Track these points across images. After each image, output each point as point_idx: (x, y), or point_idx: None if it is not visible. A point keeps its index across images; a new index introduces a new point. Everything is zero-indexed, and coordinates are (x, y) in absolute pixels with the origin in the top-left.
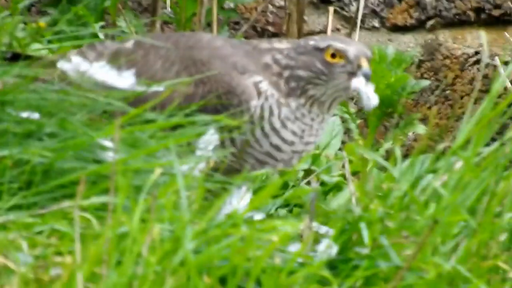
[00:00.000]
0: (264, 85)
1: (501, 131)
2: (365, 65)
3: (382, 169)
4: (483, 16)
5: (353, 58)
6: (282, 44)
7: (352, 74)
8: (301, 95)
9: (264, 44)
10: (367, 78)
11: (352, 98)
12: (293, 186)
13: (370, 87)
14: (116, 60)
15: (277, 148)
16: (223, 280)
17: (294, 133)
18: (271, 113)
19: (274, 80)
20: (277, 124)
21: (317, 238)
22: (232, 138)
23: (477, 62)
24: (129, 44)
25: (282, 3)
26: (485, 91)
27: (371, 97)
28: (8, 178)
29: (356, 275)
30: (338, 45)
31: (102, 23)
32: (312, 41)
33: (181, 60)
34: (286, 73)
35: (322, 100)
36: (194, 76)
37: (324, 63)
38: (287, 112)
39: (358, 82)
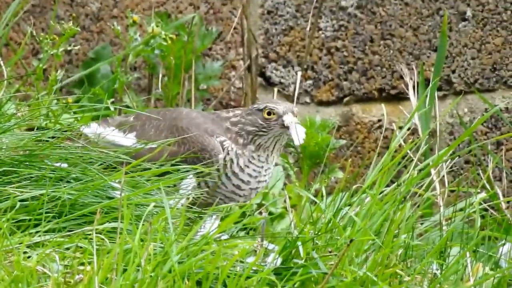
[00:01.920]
0: (227, 143)
1: (397, 176)
2: (289, 116)
3: (313, 203)
4: (384, 94)
5: (281, 113)
6: (236, 111)
7: (283, 125)
8: (251, 144)
9: (224, 113)
10: (291, 126)
11: (290, 152)
12: (249, 215)
13: (299, 129)
14: (122, 126)
15: (238, 187)
16: (199, 283)
17: (250, 175)
18: (231, 162)
19: (233, 137)
20: (237, 170)
21: (267, 253)
22: (205, 181)
23: (380, 127)
24: (131, 117)
25: (241, 85)
26: (386, 147)
27: (299, 135)
28: (45, 209)
29: (294, 279)
30: (271, 105)
31: (112, 99)
32: (255, 105)
33: (168, 128)
34: (238, 129)
35: (266, 146)
36: (177, 138)
37: (263, 119)
38: (244, 160)
39: (291, 128)
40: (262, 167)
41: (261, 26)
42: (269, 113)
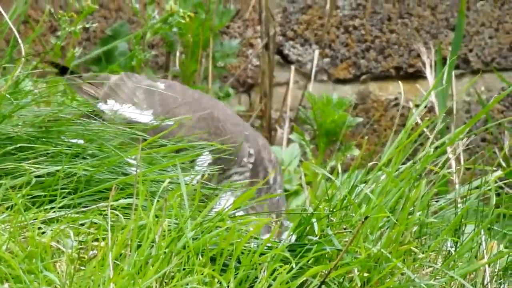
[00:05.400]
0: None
1: (414, 154)
2: None
3: (328, 180)
4: (401, 72)
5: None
6: None
7: None
8: None
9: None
10: None
11: (307, 130)
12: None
13: None
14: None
15: None
16: (213, 259)
17: None
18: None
19: None
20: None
21: (281, 229)
22: (220, 158)
23: (396, 105)
24: (161, 85)
25: (258, 63)
26: (402, 125)
27: None
28: (60, 185)
29: (309, 256)
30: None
31: None
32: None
33: (204, 119)
34: None
35: None
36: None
37: None
38: None
39: None
40: None
41: (279, 4)
42: None
